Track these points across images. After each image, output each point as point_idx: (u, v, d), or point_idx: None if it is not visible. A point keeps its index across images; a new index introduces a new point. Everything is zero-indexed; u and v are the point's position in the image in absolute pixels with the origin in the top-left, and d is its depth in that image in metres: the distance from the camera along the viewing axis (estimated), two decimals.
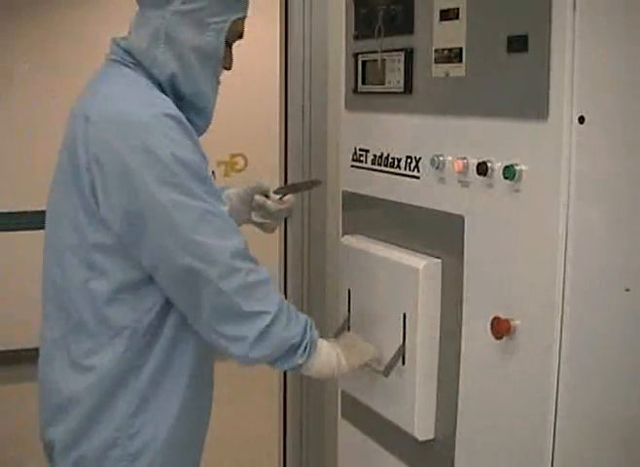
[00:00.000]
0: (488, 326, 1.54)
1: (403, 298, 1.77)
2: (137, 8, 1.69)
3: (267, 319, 1.60)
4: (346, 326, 1.97)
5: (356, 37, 1.94)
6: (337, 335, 1.91)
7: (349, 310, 1.97)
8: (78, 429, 1.64)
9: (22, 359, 4.41)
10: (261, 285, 1.61)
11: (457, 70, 1.61)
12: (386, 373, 1.77)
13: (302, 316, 1.70)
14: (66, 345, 1.65)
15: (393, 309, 1.80)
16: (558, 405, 1.46)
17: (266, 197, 1.99)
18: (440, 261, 1.71)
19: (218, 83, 1.74)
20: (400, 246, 1.82)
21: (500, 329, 1.52)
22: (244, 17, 1.71)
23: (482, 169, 1.55)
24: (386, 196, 1.87)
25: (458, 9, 1.60)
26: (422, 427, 1.76)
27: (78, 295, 1.62)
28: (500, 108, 1.52)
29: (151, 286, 1.62)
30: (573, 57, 1.38)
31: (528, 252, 1.49)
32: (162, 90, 1.64)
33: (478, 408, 1.63)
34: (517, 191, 1.49)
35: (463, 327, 1.65)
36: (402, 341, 1.77)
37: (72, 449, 1.65)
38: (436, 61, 1.67)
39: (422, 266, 1.71)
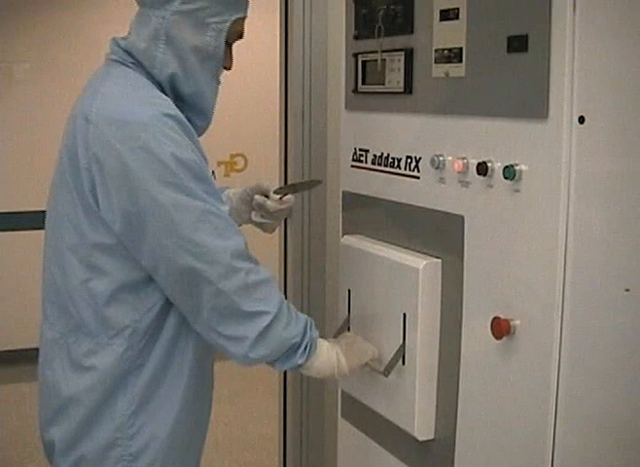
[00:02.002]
0: (488, 326, 1.54)
1: (403, 298, 1.77)
2: (137, 8, 1.69)
3: (267, 319, 1.60)
4: (346, 326, 1.97)
5: (356, 37, 1.94)
6: (336, 335, 1.91)
7: (349, 310, 1.97)
8: (78, 429, 1.64)
9: (22, 359, 4.42)
10: (261, 285, 1.61)
11: (457, 70, 1.61)
12: (386, 373, 1.77)
13: (302, 316, 1.70)
14: (66, 345, 1.65)
15: (393, 309, 1.80)
16: (558, 405, 1.46)
17: (266, 197, 1.99)
18: (440, 261, 1.71)
19: (218, 83, 1.74)
20: (400, 246, 1.82)
21: (500, 329, 1.52)
22: (244, 18, 1.71)
23: (482, 169, 1.55)
24: (386, 196, 1.87)
25: (458, 9, 1.60)
26: (422, 427, 1.76)
27: (78, 295, 1.62)
28: (500, 108, 1.52)
29: (151, 286, 1.62)
30: (573, 57, 1.38)
31: (528, 252, 1.49)
32: (162, 91, 1.65)
33: (478, 408, 1.63)
34: (517, 191, 1.49)
35: (463, 327, 1.65)
36: (402, 341, 1.77)
37: (72, 449, 1.65)
38: (436, 61, 1.67)
39: (422, 266, 1.71)
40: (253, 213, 2.02)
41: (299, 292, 2.81)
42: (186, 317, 1.63)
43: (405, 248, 1.81)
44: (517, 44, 1.46)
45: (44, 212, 1.72)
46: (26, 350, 4.12)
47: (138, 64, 1.65)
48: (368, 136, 1.94)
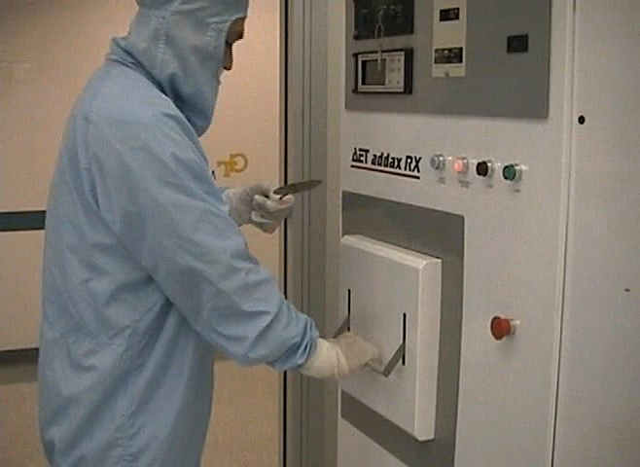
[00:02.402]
0: (488, 326, 1.54)
1: (403, 298, 1.77)
2: (137, 8, 1.69)
3: (267, 319, 1.60)
4: (346, 326, 1.97)
5: (356, 37, 1.94)
6: (336, 335, 1.91)
7: (349, 310, 1.97)
8: (78, 429, 1.64)
9: (22, 359, 4.42)
10: (261, 285, 1.61)
11: (457, 70, 1.61)
12: (386, 373, 1.77)
13: (302, 316, 1.70)
14: (66, 345, 1.65)
15: (393, 309, 1.80)
16: (558, 405, 1.46)
17: (266, 197, 1.99)
18: (440, 261, 1.71)
19: (218, 83, 1.74)
20: (400, 246, 1.82)
21: (500, 329, 1.52)
22: (244, 18, 1.71)
23: (482, 169, 1.55)
24: (386, 196, 1.87)
25: (458, 9, 1.60)
26: (422, 427, 1.76)
27: (78, 295, 1.62)
28: (500, 108, 1.52)
29: (151, 286, 1.62)
30: (573, 57, 1.38)
31: (528, 252, 1.49)
32: (162, 91, 1.65)
33: (478, 408, 1.63)
34: (517, 191, 1.49)
35: (463, 327, 1.65)
36: (402, 341, 1.77)
37: (72, 449, 1.65)
38: (436, 61, 1.67)
39: (422, 266, 1.71)
40: (253, 213, 2.03)
41: (299, 292, 2.81)
42: (186, 317, 1.63)
43: (405, 248, 1.81)
44: (517, 44, 1.46)
45: (44, 212, 1.72)
46: (26, 350, 4.12)
47: (138, 64, 1.65)
48: (368, 136, 1.94)
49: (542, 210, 1.45)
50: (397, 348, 1.78)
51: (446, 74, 1.64)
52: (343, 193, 2.06)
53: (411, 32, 1.75)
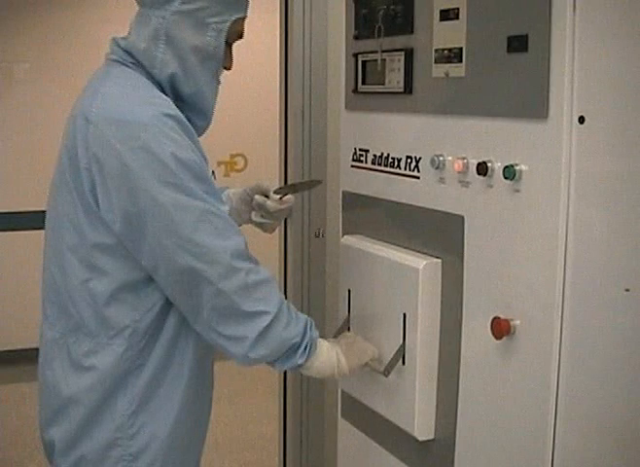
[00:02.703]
0: (488, 326, 1.54)
1: (403, 298, 1.77)
2: (137, 8, 1.69)
3: (267, 319, 1.60)
4: (346, 326, 1.97)
5: (356, 37, 1.94)
6: (336, 335, 1.91)
7: (349, 310, 1.97)
8: (78, 429, 1.64)
9: (22, 359, 4.42)
10: (261, 285, 1.61)
11: (457, 70, 1.61)
12: (386, 373, 1.77)
13: (302, 316, 1.70)
14: (66, 345, 1.65)
15: (393, 309, 1.80)
16: (558, 405, 1.46)
17: (266, 197, 1.99)
18: (440, 261, 1.71)
19: (218, 83, 1.74)
20: (400, 246, 1.82)
21: (500, 329, 1.52)
22: (244, 18, 1.71)
23: (482, 169, 1.55)
24: (386, 196, 1.87)
25: (458, 9, 1.60)
26: (422, 427, 1.76)
27: (78, 295, 1.62)
28: (500, 108, 1.52)
29: (151, 286, 1.62)
30: (573, 57, 1.38)
31: (528, 252, 1.49)
32: (162, 91, 1.65)
33: (478, 408, 1.63)
34: (517, 191, 1.49)
35: (463, 327, 1.65)
36: (402, 340, 1.77)
37: (72, 449, 1.65)
38: (436, 61, 1.67)
39: (422, 266, 1.71)
40: (253, 213, 2.03)
41: (299, 292, 2.81)
42: (186, 317, 1.63)
43: (405, 248, 1.81)
44: (517, 44, 1.46)
45: (44, 212, 1.72)
46: (26, 350, 4.12)
47: (138, 64, 1.65)
48: (368, 136, 1.94)
49: (542, 210, 1.45)
50: (397, 348, 1.78)
51: (446, 74, 1.64)
52: (343, 193, 2.06)
53: (411, 32, 1.75)
